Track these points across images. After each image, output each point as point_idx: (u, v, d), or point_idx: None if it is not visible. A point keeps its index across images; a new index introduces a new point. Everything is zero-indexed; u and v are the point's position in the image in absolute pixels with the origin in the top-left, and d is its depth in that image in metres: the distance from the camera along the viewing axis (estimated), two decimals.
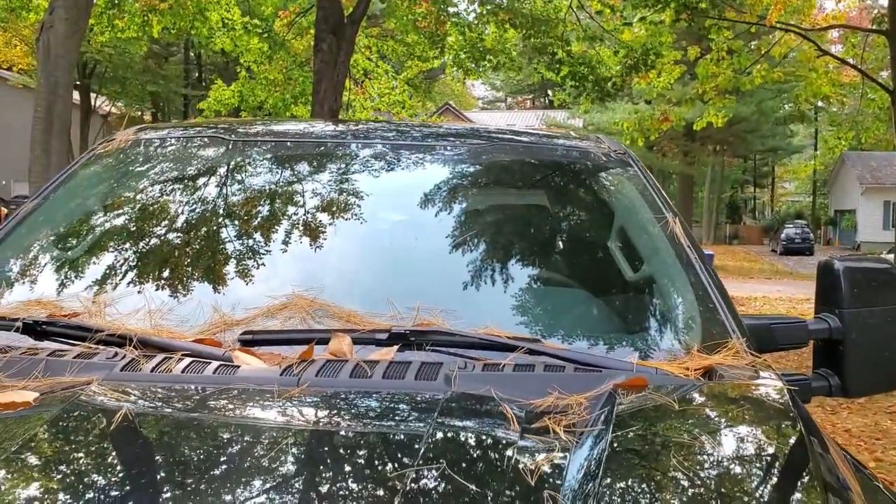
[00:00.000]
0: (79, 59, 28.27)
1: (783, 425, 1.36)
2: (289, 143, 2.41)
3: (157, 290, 1.83)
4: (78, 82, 29.74)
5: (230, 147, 2.32)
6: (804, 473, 1.18)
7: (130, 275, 1.92)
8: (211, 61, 38.71)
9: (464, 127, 2.81)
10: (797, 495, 1.13)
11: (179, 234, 2.06)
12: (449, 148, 2.41)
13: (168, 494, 1.07)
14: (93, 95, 33.54)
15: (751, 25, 14.64)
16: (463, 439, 1.28)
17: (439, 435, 1.24)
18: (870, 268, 2.02)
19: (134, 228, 2.11)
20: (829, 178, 51.56)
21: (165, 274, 1.92)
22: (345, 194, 2.15)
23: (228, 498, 1.06)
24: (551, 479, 1.11)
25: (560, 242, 2.21)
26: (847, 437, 7.29)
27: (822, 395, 1.99)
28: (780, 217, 54.53)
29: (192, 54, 39.29)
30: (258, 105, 19.36)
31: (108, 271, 1.93)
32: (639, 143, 18.01)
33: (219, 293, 1.83)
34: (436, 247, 2.04)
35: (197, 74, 41.68)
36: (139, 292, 1.79)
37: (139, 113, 38.73)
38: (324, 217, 2.08)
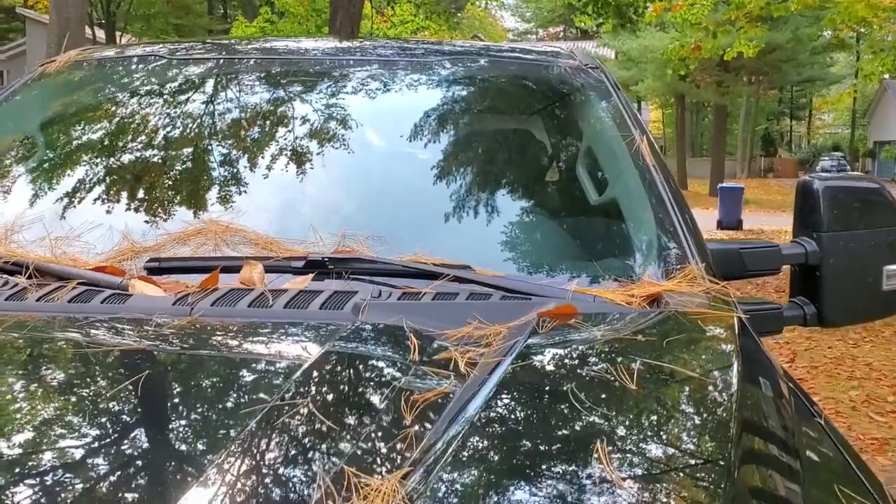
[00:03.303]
0: None
1: (719, 357, 1.23)
2: (230, 62, 2.25)
3: (66, 215, 1.72)
4: (103, 21, 29.56)
5: (167, 66, 2.19)
6: (722, 413, 1.04)
7: (41, 200, 1.81)
8: None
9: (421, 41, 2.63)
10: (704, 437, 0.99)
11: (98, 158, 1.95)
12: (401, 64, 2.22)
13: (14, 421, 0.98)
14: (118, 34, 33.36)
15: None
16: (349, 372, 1.16)
17: (323, 367, 1.13)
18: (853, 187, 1.86)
19: (52, 153, 2.00)
20: (870, 108, 49.97)
21: (76, 199, 1.81)
22: (275, 115, 2.00)
23: (72, 429, 0.98)
24: (427, 416, 1.00)
25: (512, 163, 2.04)
26: (868, 370, 7.11)
27: (797, 325, 1.85)
28: (817, 150, 53.23)
29: None
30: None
31: (18, 196, 1.83)
32: (679, 71, 17.40)
33: (131, 219, 1.71)
34: (369, 169, 1.90)
35: (222, 11, 41.24)
36: (48, 218, 1.69)
37: None
38: (249, 139, 1.94)
